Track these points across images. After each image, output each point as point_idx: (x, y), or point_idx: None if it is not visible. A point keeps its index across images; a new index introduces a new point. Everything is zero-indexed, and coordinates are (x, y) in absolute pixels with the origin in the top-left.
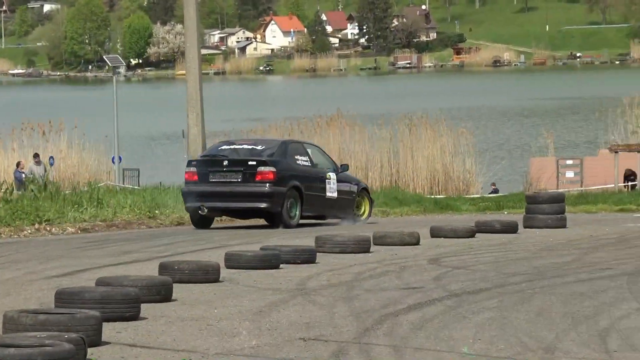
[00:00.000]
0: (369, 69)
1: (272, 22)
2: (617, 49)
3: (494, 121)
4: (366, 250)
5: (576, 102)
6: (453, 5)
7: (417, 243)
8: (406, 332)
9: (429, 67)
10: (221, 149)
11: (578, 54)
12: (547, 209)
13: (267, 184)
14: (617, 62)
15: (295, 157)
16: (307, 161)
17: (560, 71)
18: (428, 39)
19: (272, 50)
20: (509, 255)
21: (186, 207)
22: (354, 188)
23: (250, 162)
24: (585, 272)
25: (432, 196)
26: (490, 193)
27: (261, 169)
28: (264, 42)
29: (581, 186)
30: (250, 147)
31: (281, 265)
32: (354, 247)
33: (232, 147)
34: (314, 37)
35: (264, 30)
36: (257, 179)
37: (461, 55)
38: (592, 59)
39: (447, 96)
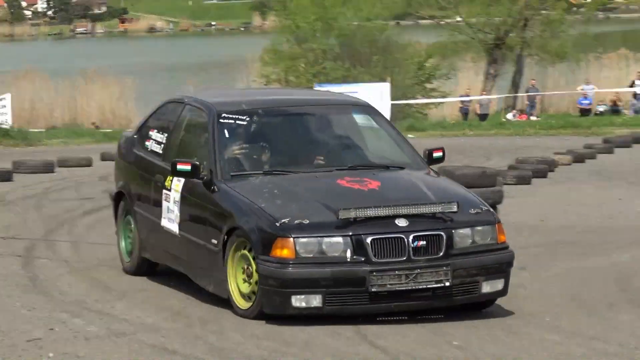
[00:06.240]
0: (55, 34)
1: None
2: (243, 19)
3: (154, 75)
4: (52, 171)
5: (214, 59)
6: None
7: (90, 164)
8: (81, 231)
9: (101, 33)
10: None
11: (213, 23)
12: None
13: None
14: (242, 29)
15: None
16: None
17: (199, 36)
18: (100, 11)
19: None
20: None
21: None
22: None
23: None
24: None
25: (102, 130)
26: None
27: None
28: None
29: None
30: None
31: None
32: (42, 168)
33: None
34: (12, 10)
35: None
36: None
37: (125, 24)
38: (224, 26)
39: (115, 56)
